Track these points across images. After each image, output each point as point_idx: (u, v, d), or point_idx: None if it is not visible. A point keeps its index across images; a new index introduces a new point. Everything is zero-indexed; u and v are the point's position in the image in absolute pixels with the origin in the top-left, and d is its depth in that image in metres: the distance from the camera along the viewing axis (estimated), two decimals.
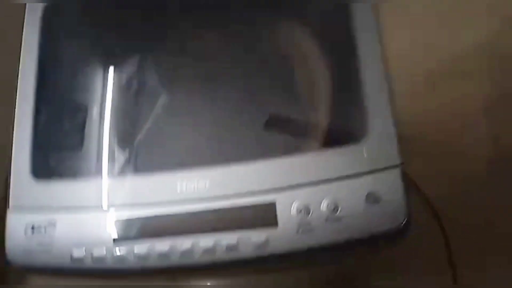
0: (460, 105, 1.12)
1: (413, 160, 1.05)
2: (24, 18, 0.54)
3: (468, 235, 0.99)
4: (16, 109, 0.50)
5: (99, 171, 0.48)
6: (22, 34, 0.53)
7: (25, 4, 0.55)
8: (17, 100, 0.50)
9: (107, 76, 0.52)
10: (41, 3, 0.54)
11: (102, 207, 0.47)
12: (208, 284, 0.95)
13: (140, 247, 0.45)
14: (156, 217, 0.46)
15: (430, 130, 1.12)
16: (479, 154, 1.06)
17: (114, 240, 0.46)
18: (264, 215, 0.45)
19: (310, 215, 0.45)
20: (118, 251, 0.46)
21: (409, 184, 1.01)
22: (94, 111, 0.50)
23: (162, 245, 0.45)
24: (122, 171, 0.48)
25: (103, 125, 0.50)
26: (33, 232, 0.47)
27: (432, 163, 1.06)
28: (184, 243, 0.45)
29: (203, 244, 0.45)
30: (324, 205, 0.45)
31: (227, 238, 0.45)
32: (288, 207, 0.45)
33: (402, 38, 1.16)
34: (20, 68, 0.52)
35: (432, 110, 1.13)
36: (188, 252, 0.45)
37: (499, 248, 0.97)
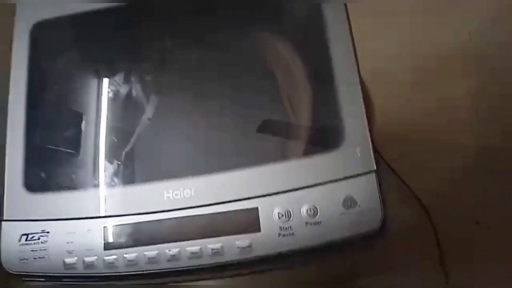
0: (446, 104, 1.14)
1: (401, 159, 1.08)
2: (14, 32, 0.56)
3: (457, 231, 1.02)
4: (8, 123, 0.52)
5: (89, 183, 0.51)
6: (11, 47, 0.55)
7: (15, 17, 0.56)
8: (8, 114, 0.52)
9: (96, 90, 0.54)
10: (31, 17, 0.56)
11: (92, 216, 0.49)
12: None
13: (130, 253, 0.48)
14: (144, 224, 0.48)
15: (417, 129, 1.15)
16: (466, 151, 1.09)
17: (104, 246, 0.48)
18: (247, 221, 0.47)
19: (291, 219, 0.47)
20: (109, 257, 0.48)
21: (399, 183, 1.04)
22: (83, 125, 0.52)
23: (150, 251, 0.48)
24: (111, 182, 0.50)
25: (92, 138, 0.52)
26: (27, 241, 0.49)
27: (420, 161, 1.09)
28: (171, 248, 0.47)
29: (189, 249, 0.47)
30: (304, 210, 0.47)
31: (213, 243, 0.47)
32: (270, 213, 0.47)
33: (387, 38, 1.18)
34: (10, 82, 0.54)
35: (419, 109, 1.16)
36: (176, 257, 0.47)
37: (487, 244, 1.00)
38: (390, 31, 1.20)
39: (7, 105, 0.53)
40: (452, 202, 1.04)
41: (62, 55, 0.56)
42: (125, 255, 0.48)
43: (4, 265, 0.49)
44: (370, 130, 0.49)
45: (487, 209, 1.03)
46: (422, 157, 1.08)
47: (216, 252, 0.47)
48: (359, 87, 0.50)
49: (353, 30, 0.53)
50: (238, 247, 0.47)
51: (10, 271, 0.49)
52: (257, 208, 0.47)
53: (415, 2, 1.22)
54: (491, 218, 1.02)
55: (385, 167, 1.05)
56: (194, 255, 0.47)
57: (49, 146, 0.53)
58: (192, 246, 0.47)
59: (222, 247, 0.47)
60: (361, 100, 0.49)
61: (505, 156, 1.07)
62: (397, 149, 1.11)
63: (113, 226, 0.49)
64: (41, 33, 0.55)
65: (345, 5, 0.52)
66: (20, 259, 0.49)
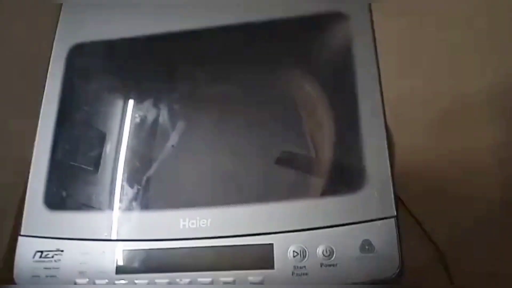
0: (466, 153, 1.13)
1: (420, 201, 1.06)
2: (51, 54, 0.58)
3: (472, 282, 0.99)
4: (36, 139, 0.53)
5: (107, 205, 0.51)
6: (48, 69, 0.57)
7: (53, 39, 0.59)
8: (38, 130, 0.54)
9: (124, 114, 0.55)
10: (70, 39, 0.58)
11: (107, 239, 0.49)
12: None
13: (141, 280, 0.47)
14: (158, 252, 0.48)
15: (438, 174, 1.13)
16: (485, 200, 1.07)
17: (116, 271, 0.48)
18: (261, 256, 0.47)
19: (305, 259, 0.46)
20: (119, 281, 0.48)
21: (417, 228, 1.01)
22: (108, 147, 0.53)
23: (162, 279, 0.47)
24: (129, 206, 0.51)
25: (115, 161, 0.53)
26: (41, 257, 0.49)
27: (439, 205, 1.07)
28: (183, 278, 0.47)
29: (201, 280, 0.47)
30: (320, 251, 0.46)
31: (225, 276, 0.47)
32: (285, 250, 0.47)
33: (406, 86, 1.19)
34: (43, 99, 0.56)
35: (442, 154, 1.15)
36: (187, 287, 0.47)
37: None
38: (417, 74, 1.21)
39: (38, 123, 0.55)
40: (468, 252, 1.01)
41: (95, 77, 0.58)
42: (136, 281, 0.47)
43: (16, 280, 0.50)
44: (393, 176, 0.49)
45: (504, 262, 1.00)
46: (441, 203, 1.07)
47: (227, 286, 0.46)
48: (384, 131, 0.49)
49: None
50: (250, 283, 0.46)
51: (22, 286, 0.49)
52: (272, 245, 0.47)
53: (442, 44, 1.23)
54: (507, 272, 0.99)
55: (403, 209, 1.04)
56: (206, 286, 0.46)
57: (73, 165, 0.54)
58: (204, 278, 0.47)
59: (234, 281, 0.46)
60: (385, 144, 0.49)
61: None
62: (416, 192, 1.10)
63: (126, 250, 0.49)
64: (78, 54, 0.57)
65: (375, 49, 0.53)
66: (33, 276, 0.49)
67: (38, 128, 0.54)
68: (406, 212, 1.04)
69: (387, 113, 0.51)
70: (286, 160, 0.51)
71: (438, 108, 1.18)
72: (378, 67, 0.53)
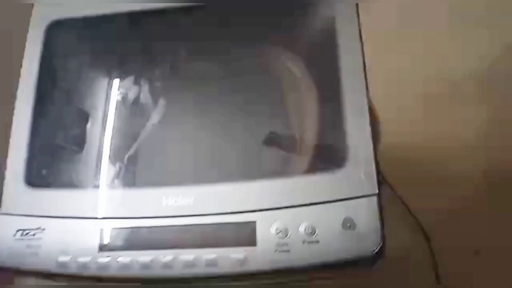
0: (456, 130, 1.14)
1: (406, 184, 1.07)
2: (29, 28, 0.57)
3: (456, 260, 1.01)
4: (14, 119, 0.52)
5: (89, 183, 0.51)
6: (24, 46, 0.56)
7: (30, 17, 0.57)
8: (15, 109, 0.53)
9: (105, 91, 0.54)
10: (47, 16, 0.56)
11: (89, 216, 0.49)
12: None
13: (124, 257, 0.47)
14: (140, 229, 0.48)
15: (425, 154, 1.14)
16: (473, 179, 1.08)
17: (99, 248, 0.48)
18: (244, 234, 0.47)
19: (288, 236, 0.47)
20: (102, 259, 0.47)
21: (402, 206, 1.03)
22: (88, 125, 0.53)
23: (144, 256, 0.47)
24: (112, 184, 0.50)
25: (96, 138, 0.52)
26: (22, 236, 0.49)
27: (425, 187, 1.08)
28: (166, 255, 0.47)
29: (184, 257, 0.47)
30: (302, 228, 0.47)
31: (207, 254, 0.47)
32: (268, 228, 0.47)
33: (400, 62, 1.18)
34: (21, 77, 0.54)
35: (428, 134, 1.16)
36: (169, 264, 0.47)
37: (485, 274, 0.99)
38: (402, 53, 1.20)
39: (14, 99, 0.53)
40: (453, 230, 1.03)
41: (74, 55, 0.57)
42: (119, 259, 0.47)
43: None
44: (375, 153, 0.49)
45: (487, 240, 1.02)
46: (427, 183, 1.08)
47: (210, 263, 0.47)
48: (367, 108, 0.49)
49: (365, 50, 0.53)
50: (232, 260, 0.46)
51: (2, 265, 0.49)
52: (255, 222, 0.47)
53: (429, 27, 1.23)
54: (490, 250, 1.01)
55: (388, 190, 1.05)
56: (188, 264, 0.47)
57: (53, 143, 0.53)
58: (187, 255, 0.47)
59: (216, 258, 0.46)
60: (368, 122, 0.49)
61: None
62: (402, 173, 1.11)
63: (109, 228, 0.48)
64: (56, 32, 0.55)
65: (359, 25, 0.52)
66: (14, 254, 0.49)
67: (16, 106, 0.53)
68: (393, 195, 1.06)
69: (373, 93, 0.51)
70: (269, 141, 0.51)
71: (424, 90, 1.18)
72: (362, 45, 0.52)
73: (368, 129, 0.49)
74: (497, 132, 1.11)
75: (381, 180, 0.50)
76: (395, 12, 1.24)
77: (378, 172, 0.49)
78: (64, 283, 0.52)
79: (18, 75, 0.55)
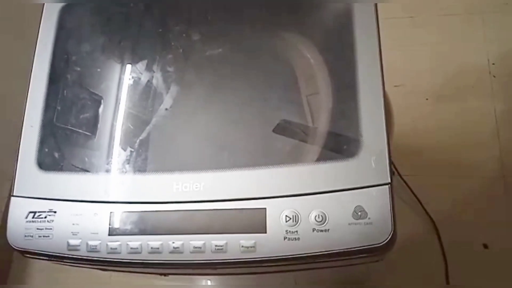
0: (468, 121, 1.13)
1: (416, 172, 1.07)
2: (42, 14, 0.57)
3: (464, 252, 1.01)
4: (27, 103, 0.52)
5: (100, 167, 0.51)
6: (39, 28, 0.56)
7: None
8: (28, 92, 0.53)
9: (118, 75, 0.54)
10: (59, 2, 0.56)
11: (100, 200, 0.49)
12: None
13: (133, 241, 0.48)
14: (150, 214, 0.48)
15: (436, 146, 1.14)
16: (483, 171, 1.07)
17: (109, 232, 0.48)
18: (254, 221, 0.47)
19: (298, 224, 0.46)
20: (112, 242, 0.48)
21: (409, 195, 1.03)
22: (101, 109, 0.53)
23: (154, 241, 0.47)
24: (122, 169, 0.50)
25: (108, 123, 0.52)
26: (34, 218, 0.49)
27: (435, 176, 1.08)
28: (175, 241, 0.47)
29: (193, 243, 0.47)
30: (312, 216, 0.46)
31: (217, 240, 0.47)
32: (278, 215, 0.47)
33: (407, 54, 1.17)
34: (34, 60, 0.55)
35: (439, 124, 1.15)
36: (179, 249, 0.47)
37: (493, 268, 0.98)
38: (414, 45, 1.19)
39: (29, 83, 0.54)
40: (462, 223, 1.03)
41: (88, 39, 0.57)
42: (128, 243, 0.48)
43: (9, 239, 0.50)
44: (389, 144, 0.48)
45: (497, 234, 1.01)
46: (437, 174, 1.08)
47: (219, 249, 0.46)
48: (382, 98, 0.49)
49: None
50: (242, 246, 0.46)
51: (13, 247, 0.50)
52: (265, 209, 0.47)
53: (442, 16, 1.21)
54: (499, 244, 1.01)
55: (399, 180, 1.05)
56: (197, 249, 0.47)
57: (66, 127, 0.53)
58: (196, 241, 0.47)
59: (226, 244, 0.46)
60: (383, 111, 0.48)
61: None
62: (413, 164, 1.10)
63: (119, 212, 0.48)
64: (69, 15, 0.55)
65: (376, 16, 0.51)
66: (25, 236, 0.49)
67: (29, 89, 0.53)
68: (402, 183, 1.05)
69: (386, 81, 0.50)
70: (281, 128, 0.50)
71: (437, 79, 1.17)
72: (378, 34, 0.51)
73: (382, 119, 0.49)
74: (510, 124, 1.10)
75: (392, 170, 0.49)
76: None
77: (391, 162, 0.48)
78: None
79: (31, 58, 0.55)
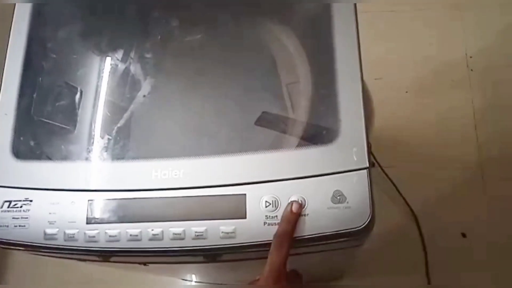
0: (446, 113, 1.15)
1: (396, 164, 1.08)
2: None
3: (443, 241, 1.03)
4: (0, 90, 0.51)
5: (77, 155, 0.50)
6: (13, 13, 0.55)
7: None
8: (3, 80, 0.52)
9: (94, 63, 0.53)
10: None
11: (78, 189, 0.48)
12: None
13: (112, 229, 0.47)
14: (129, 201, 0.47)
15: (415, 137, 1.15)
16: (461, 162, 1.10)
17: (87, 220, 0.47)
18: (233, 207, 0.47)
19: (277, 209, 0.46)
20: (90, 231, 0.47)
21: (390, 187, 1.04)
22: (77, 97, 0.52)
23: (133, 229, 0.47)
24: (100, 156, 0.50)
25: (85, 110, 0.51)
26: (9, 207, 0.48)
27: (414, 168, 1.09)
28: (154, 228, 0.47)
29: (173, 230, 0.47)
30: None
31: (197, 226, 0.47)
32: (258, 201, 0.47)
33: (387, 47, 1.19)
34: (8, 48, 0.53)
35: (419, 117, 1.17)
36: (158, 237, 0.47)
37: (471, 256, 1.00)
38: (394, 39, 1.20)
39: (2, 71, 0.52)
40: (441, 213, 1.05)
41: (63, 26, 0.56)
42: (107, 231, 0.47)
43: None
44: (367, 129, 0.48)
45: (474, 223, 1.04)
46: (417, 165, 1.10)
47: (199, 235, 0.46)
48: (360, 84, 0.49)
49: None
50: (222, 232, 0.46)
51: None
52: (244, 195, 0.47)
53: (421, 10, 1.23)
54: (477, 232, 1.03)
55: (379, 172, 1.06)
56: (177, 236, 0.46)
57: (42, 115, 0.52)
58: (176, 228, 0.47)
59: (206, 230, 0.46)
60: (360, 96, 0.49)
61: (504, 169, 1.07)
62: (393, 155, 1.12)
63: (97, 200, 0.48)
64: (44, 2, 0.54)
65: (355, 5, 0.52)
66: (0, 226, 0.48)
67: (4, 77, 0.52)
68: (383, 175, 1.06)
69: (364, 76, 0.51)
70: (262, 121, 0.50)
71: (416, 72, 1.19)
72: (357, 22, 0.52)
73: (360, 104, 0.49)
74: (489, 118, 1.13)
75: (372, 161, 0.49)
76: None
77: (369, 148, 0.49)
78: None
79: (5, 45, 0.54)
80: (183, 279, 1.07)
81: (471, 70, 1.19)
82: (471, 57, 1.20)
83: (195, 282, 1.07)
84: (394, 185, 1.07)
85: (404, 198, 1.07)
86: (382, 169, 1.07)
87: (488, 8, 1.22)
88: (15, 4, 0.55)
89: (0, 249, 0.50)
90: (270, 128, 0.51)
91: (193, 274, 1.00)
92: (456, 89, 1.18)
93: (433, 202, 1.08)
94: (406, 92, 1.19)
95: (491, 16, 1.22)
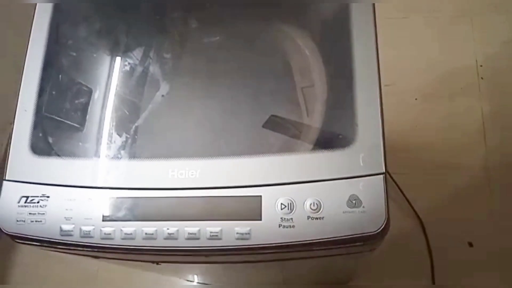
0: (455, 121, 1.15)
1: (404, 171, 1.08)
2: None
3: (450, 249, 1.02)
4: (21, 87, 0.52)
5: (95, 152, 0.50)
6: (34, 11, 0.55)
7: None
8: (23, 77, 0.52)
9: (112, 62, 0.54)
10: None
11: (95, 186, 0.48)
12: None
13: (128, 227, 0.47)
14: (145, 200, 0.48)
15: (423, 143, 1.15)
16: (469, 170, 1.09)
17: (103, 217, 0.48)
18: (249, 208, 0.47)
19: (293, 212, 0.47)
20: (106, 228, 0.47)
21: (397, 193, 1.04)
22: (96, 95, 0.52)
23: (148, 227, 0.47)
24: (118, 154, 0.50)
25: (103, 109, 0.52)
26: (26, 203, 0.49)
27: (422, 174, 1.09)
28: (170, 227, 0.47)
29: (188, 229, 0.47)
30: (307, 204, 0.47)
31: (212, 226, 0.47)
32: (273, 203, 0.47)
33: (397, 54, 1.19)
34: (29, 46, 0.54)
35: (427, 124, 1.17)
36: (173, 236, 0.47)
37: (477, 265, 1.00)
38: (405, 45, 1.20)
39: (23, 68, 0.53)
40: (448, 221, 1.05)
41: (83, 25, 0.56)
42: (122, 228, 0.47)
43: (0, 225, 0.49)
44: (383, 133, 0.49)
45: (482, 231, 1.03)
46: (425, 172, 1.09)
47: (214, 236, 0.46)
48: (378, 88, 0.49)
49: None
50: (237, 233, 0.46)
51: (5, 232, 0.49)
52: (260, 197, 0.47)
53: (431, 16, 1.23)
54: (484, 242, 1.03)
55: (387, 178, 1.06)
56: (192, 236, 0.47)
57: (60, 112, 0.52)
58: (191, 227, 0.47)
59: (221, 231, 0.46)
60: (378, 101, 0.49)
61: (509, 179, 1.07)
62: (401, 162, 1.12)
63: (114, 198, 0.48)
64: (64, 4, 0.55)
65: (373, 8, 0.52)
66: (17, 221, 0.48)
67: (24, 74, 0.52)
68: (390, 181, 1.06)
69: None
70: (270, 124, 0.51)
71: (426, 79, 1.19)
72: (375, 27, 0.52)
73: (378, 109, 0.49)
74: (498, 126, 1.13)
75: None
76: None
77: (385, 151, 0.49)
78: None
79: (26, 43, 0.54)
80: (186, 280, 1.07)
81: (481, 78, 1.19)
82: (481, 65, 1.20)
83: (197, 283, 1.07)
84: (402, 191, 1.07)
85: (411, 205, 1.07)
86: (390, 175, 1.06)
87: (498, 16, 1.22)
88: (36, 4, 0.55)
89: (2, 249, 0.50)
90: (279, 132, 0.51)
91: (198, 274, 1.01)
92: (466, 97, 1.18)
93: (440, 209, 1.08)
94: (416, 99, 1.19)
95: (502, 24, 1.22)
